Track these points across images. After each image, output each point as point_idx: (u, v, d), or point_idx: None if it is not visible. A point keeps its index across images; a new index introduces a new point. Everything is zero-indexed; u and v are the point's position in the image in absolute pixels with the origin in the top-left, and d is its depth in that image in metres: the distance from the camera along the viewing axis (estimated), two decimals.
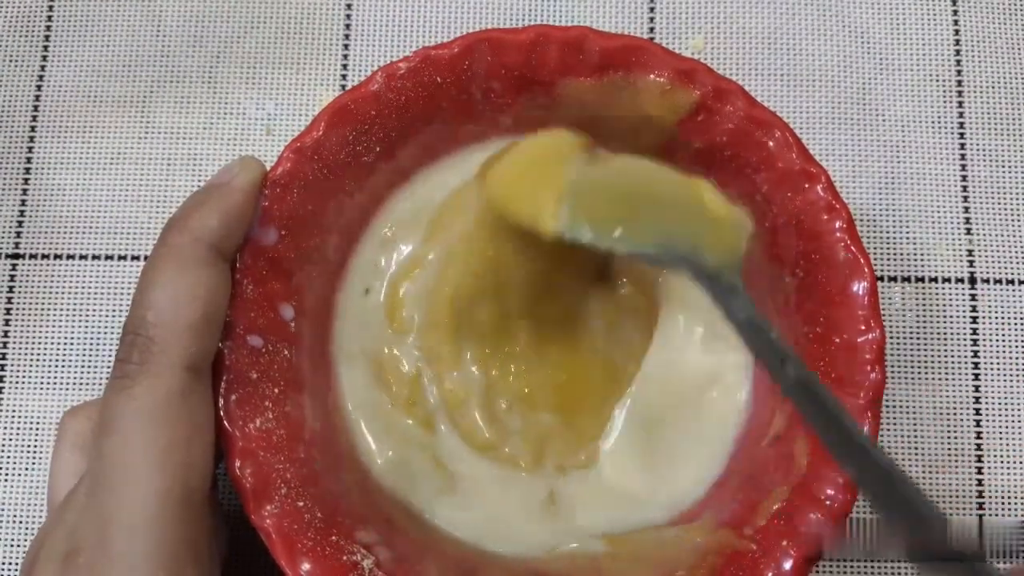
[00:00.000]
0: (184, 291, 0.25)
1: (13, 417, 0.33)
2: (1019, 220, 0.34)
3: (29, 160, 0.35)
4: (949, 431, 0.33)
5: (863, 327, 0.27)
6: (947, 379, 0.33)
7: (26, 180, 0.35)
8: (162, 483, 0.23)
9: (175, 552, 0.24)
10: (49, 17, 0.36)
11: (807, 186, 0.28)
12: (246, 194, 0.27)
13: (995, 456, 0.33)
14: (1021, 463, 0.33)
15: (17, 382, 0.34)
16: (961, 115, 0.35)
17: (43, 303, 0.34)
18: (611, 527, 0.30)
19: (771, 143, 0.28)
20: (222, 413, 0.26)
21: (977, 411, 0.33)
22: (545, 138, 0.28)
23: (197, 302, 0.25)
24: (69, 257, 0.35)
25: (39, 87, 0.36)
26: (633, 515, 0.30)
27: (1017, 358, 0.33)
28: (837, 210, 0.28)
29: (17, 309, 0.34)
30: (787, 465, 0.27)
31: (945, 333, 0.34)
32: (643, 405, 0.31)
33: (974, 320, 0.34)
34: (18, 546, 0.33)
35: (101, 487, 0.24)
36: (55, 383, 0.34)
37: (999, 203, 0.35)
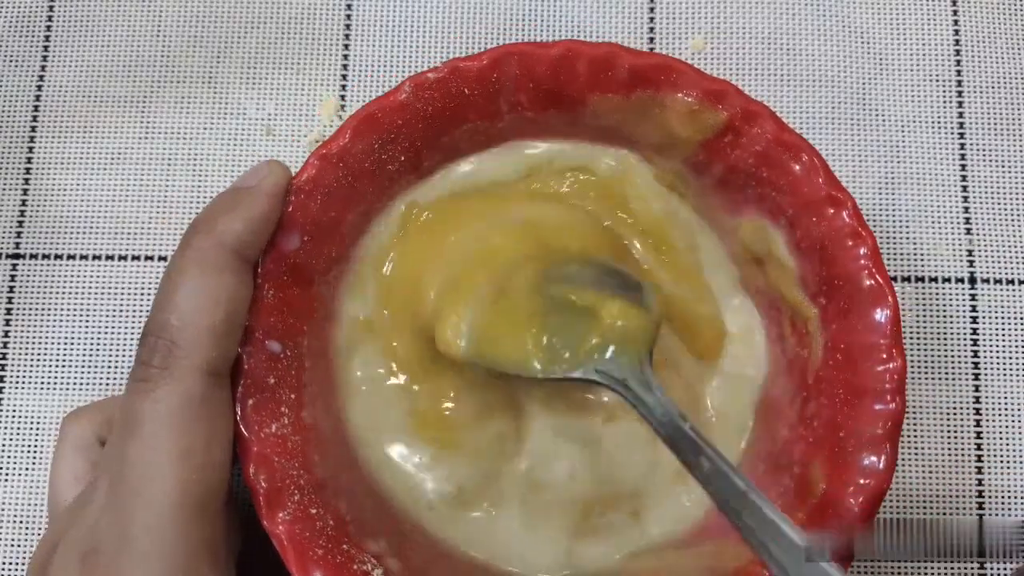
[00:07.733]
0: (207, 296, 0.25)
1: (13, 417, 0.33)
2: (1019, 220, 0.34)
3: (29, 160, 0.35)
4: (949, 431, 0.33)
5: (884, 356, 0.27)
6: (947, 379, 0.33)
7: (26, 180, 0.35)
8: (183, 485, 0.24)
9: (194, 552, 0.24)
10: (49, 17, 0.36)
11: (832, 212, 0.28)
12: (272, 199, 0.27)
13: (995, 456, 0.33)
14: (1021, 463, 0.33)
15: (17, 382, 0.34)
16: (961, 115, 0.35)
17: (43, 303, 0.34)
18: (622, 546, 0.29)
19: (798, 167, 0.28)
20: (238, 418, 0.26)
21: (977, 411, 0.33)
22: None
23: (220, 307, 0.25)
24: (69, 257, 0.35)
25: (39, 87, 0.36)
26: (635, 536, 0.29)
27: (1017, 358, 0.33)
28: (863, 237, 0.27)
29: (17, 309, 0.34)
30: (804, 491, 0.27)
31: (945, 333, 0.34)
32: None
33: (974, 320, 0.34)
34: (18, 546, 0.33)
35: (123, 488, 0.24)
36: (55, 383, 0.34)
37: (999, 203, 0.34)
